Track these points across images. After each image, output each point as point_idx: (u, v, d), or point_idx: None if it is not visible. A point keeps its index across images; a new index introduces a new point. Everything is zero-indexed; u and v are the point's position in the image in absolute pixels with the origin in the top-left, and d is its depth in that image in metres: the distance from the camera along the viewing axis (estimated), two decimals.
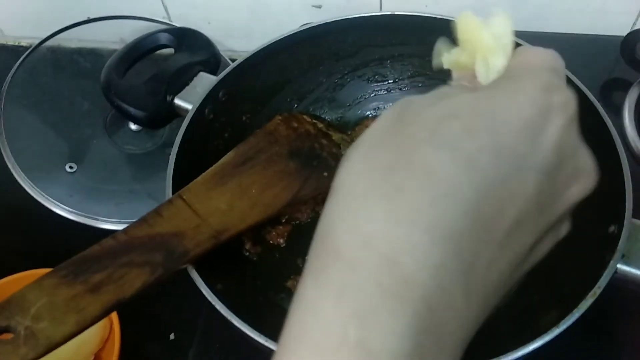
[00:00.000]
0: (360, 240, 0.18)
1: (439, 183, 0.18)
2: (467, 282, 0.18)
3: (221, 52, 0.68)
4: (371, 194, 0.18)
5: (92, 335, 0.51)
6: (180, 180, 0.44)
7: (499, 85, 0.22)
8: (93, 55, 0.70)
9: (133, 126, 0.66)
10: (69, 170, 0.63)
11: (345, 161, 0.20)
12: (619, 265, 0.38)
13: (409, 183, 0.18)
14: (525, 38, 0.51)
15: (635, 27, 0.68)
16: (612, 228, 0.40)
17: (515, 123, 0.19)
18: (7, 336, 0.34)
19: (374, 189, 0.18)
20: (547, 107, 0.20)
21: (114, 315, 0.51)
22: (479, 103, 0.20)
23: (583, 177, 0.22)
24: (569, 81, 0.47)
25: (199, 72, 0.51)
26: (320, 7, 0.70)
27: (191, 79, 0.50)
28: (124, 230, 0.40)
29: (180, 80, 0.50)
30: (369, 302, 0.17)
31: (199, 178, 0.44)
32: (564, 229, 0.23)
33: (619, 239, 0.38)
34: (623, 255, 0.38)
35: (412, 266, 0.17)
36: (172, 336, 0.55)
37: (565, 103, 0.21)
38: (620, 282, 0.39)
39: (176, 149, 0.45)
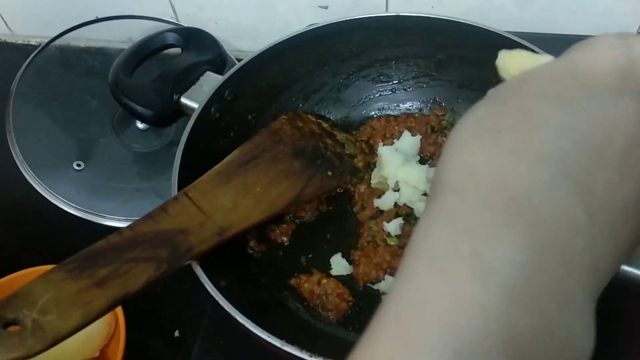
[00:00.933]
0: (467, 172, 0.19)
1: (536, 119, 0.19)
2: (587, 202, 0.18)
3: (228, 52, 0.69)
4: (475, 137, 0.20)
5: (97, 332, 0.52)
6: (186, 178, 0.45)
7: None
8: (101, 55, 0.71)
9: (140, 125, 0.66)
10: (76, 168, 0.64)
11: (452, 131, 0.22)
12: (621, 266, 0.38)
13: (508, 122, 0.19)
14: (531, 40, 0.52)
15: None
16: None
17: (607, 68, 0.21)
18: (15, 328, 0.34)
19: (477, 133, 0.20)
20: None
21: (119, 312, 0.51)
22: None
23: None
24: None
25: (205, 71, 0.52)
26: (326, 7, 0.70)
27: (197, 78, 0.51)
28: (129, 227, 0.40)
29: (186, 79, 0.50)
30: (480, 220, 0.18)
31: (204, 176, 0.45)
32: None
33: None
34: None
35: (521, 186, 0.18)
36: (176, 333, 0.55)
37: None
38: (621, 282, 0.39)
39: (182, 147, 0.45)
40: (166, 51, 0.56)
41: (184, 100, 0.50)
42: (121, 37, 0.71)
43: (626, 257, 0.20)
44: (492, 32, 0.52)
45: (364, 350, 0.18)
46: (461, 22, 0.53)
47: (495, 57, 0.55)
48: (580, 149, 0.18)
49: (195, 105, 0.49)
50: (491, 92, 0.22)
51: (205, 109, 0.49)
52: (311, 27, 0.55)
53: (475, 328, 0.16)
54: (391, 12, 0.55)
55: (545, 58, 0.25)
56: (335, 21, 0.55)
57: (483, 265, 0.17)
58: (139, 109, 0.49)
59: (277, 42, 0.53)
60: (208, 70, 0.52)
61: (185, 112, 0.51)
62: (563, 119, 0.19)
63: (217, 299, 0.39)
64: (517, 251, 0.17)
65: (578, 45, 0.23)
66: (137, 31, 0.68)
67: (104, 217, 0.60)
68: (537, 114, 0.19)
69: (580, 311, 0.18)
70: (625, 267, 0.39)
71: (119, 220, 0.59)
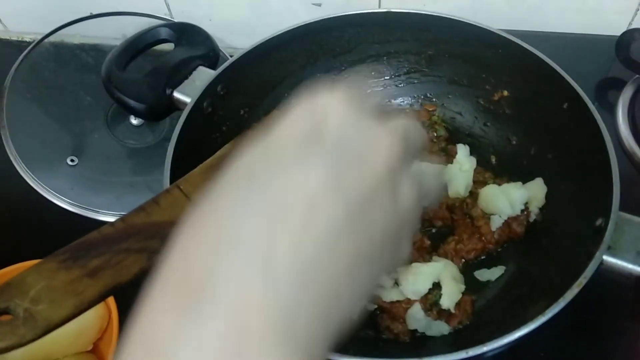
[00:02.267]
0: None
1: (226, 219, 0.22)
2: (267, 272, 0.20)
3: (222, 49, 0.69)
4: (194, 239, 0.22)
5: (90, 325, 0.52)
6: (178, 172, 0.45)
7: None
8: (95, 51, 0.71)
9: (134, 120, 0.67)
10: (70, 163, 0.64)
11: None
12: (605, 257, 0.39)
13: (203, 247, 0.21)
14: (521, 37, 0.52)
15: (631, 27, 0.68)
16: (599, 221, 0.41)
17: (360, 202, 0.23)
18: (7, 317, 0.34)
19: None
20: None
21: (113, 306, 0.52)
22: (329, 183, 0.22)
23: (382, 142, 0.24)
24: (564, 83, 0.48)
25: (198, 66, 0.52)
26: (320, 4, 0.70)
27: (190, 73, 0.51)
28: (122, 218, 0.40)
29: (179, 74, 0.51)
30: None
31: (196, 169, 0.45)
32: (404, 197, 0.25)
33: (606, 231, 0.39)
34: (609, 247, 0.39)
35: (209, 276, 0.20)
36: None
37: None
38: (607, 273, 0.40)
39: (174, 141, 0.46)
40: (159, 46, 0.57)
41: (176, 94, 0.51)
42: (115, 33, 0.71)
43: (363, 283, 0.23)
44: (483, 28, 0.53)
45: None
46: (452, 19, 0.54)
47: (485, 53, 0.55)
48: (265, 221, 0.20)
49: (187, 99, 0.50)
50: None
51: (198, 103, 0.49)
52: (304, 23, 0.55)
53: None
54: (382, 9, 0.56)
55: None
56: (327, 17, 0.55)
57: None
58: (132, 102, 0.49)
59: (270, 37, 0.53)
60: (201, 65, 0.52)
61: (178, 106, 0.51)
62: (250, 200, 0.21)
63: None
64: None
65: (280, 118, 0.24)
66: (131, 28, 0.68)
67: (97, 212, 0.60)
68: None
69: None
70: (612, 259, 0.40)
71: (112, 215, 0.60)
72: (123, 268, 0.38)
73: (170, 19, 0.72)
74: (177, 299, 0.20)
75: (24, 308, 0.35)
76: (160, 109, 0.51)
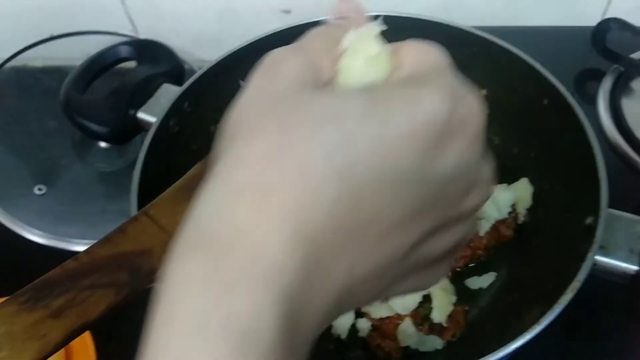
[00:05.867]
0: (232, 232, 0.18)
1: (311, 187, 0.18)
2: (325, 280, 0.19)
3: (191, 63, 0.67)
4: (246, 188, 0.19)
5: None
6: (148, 197, 0.43)
7: (394, 88, 0.20)
8: (59, 73, 0.68)
9: (103, 144, 0.64)
10: (37, 192, 0.61)
11: (222, 139, 0.21)
12: (597, 257, 0.38)
13: (283, 181, 0.18)
14: (497, 33, 0.51)
15: (605, 17, 0.68)
16: (589, 219, 0.40)
17: (405, 139, 0.19)
18: None
19: (249, 183, 0.19)
20: (447, 127, 0.19)
21: (89, 342, 0.49)
22: (369, 108, 0.19)
23: (480, 188, 0.21)
24: (542, 79, 0.47)
25: (162, 83, 0.50)
26: (289, 12, 0.69)
27: (154, 91, 0.49)
28: (86, 251, 0.38)
29: (142, 93, 0.49)
30: (235, 285, 0.18)
31: (165, 192, 0.43)
32: (468, 229, 0.22)
33: (596, 230, 0.38)
34: (602, 247, 0.38)
35: (275, 262, 0.18)
36: None
37: (468, 116, 0.20)
38: (600, 273, 0.38)
39: (140, 165, 0.43)
40: (122, 65, 0.55)
41: (140, 115, 0.48)
42: (78, 54, 0.68)
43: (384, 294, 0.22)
44: (456, 28, 0.52)
45: None
46: (423, 20, 0.52)
47: (460, 53, 0.54)
48: (339, 230, 0.18)
49: (153, 119, 0.47)
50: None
51: (164, 122, 0.47)
52: (273, 31, 0.54)
53: None
54: None
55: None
56: (298, 24, 0.53)
57: (241, 330, 0.17)
58: (93, 126, 0.47)
59: (237, 48, 0.51)
60: (165, 82, 0.50)
61: (143, 127, 0.49)
62: (335, 195, 0.18)
63: None
64: (273, 315, 0.17)
65: (403, 77, 0.21)
66: (95, 47, 0.66)
67: (69, 241, 0.58)
68: (314, 182, 0.18)
69: (307, 345, 0.19)
70: (604, 259, 0.38)
71: (86, 244, 0.57)
72: (90, 305, 0.36)
73: (135, 35, 0.70)
74: None
75: None
76: (124, 131, 0.49)
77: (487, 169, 0.22)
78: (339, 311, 0.20)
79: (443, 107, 0.19)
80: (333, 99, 0.20)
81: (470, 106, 0.20)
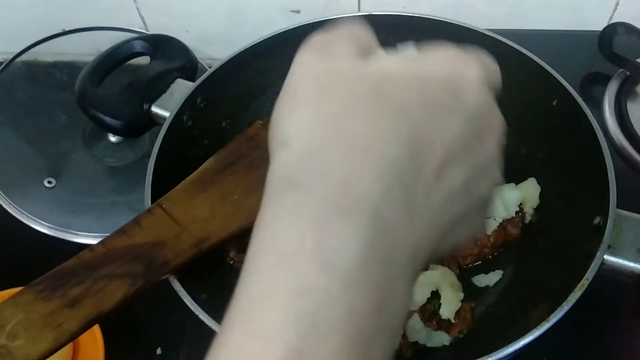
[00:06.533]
0: (314, 171, 0.21)
1: (383, 127, 0.22)
2: (410, 204, 0.21)
3: (200, 60, 0.67)
4: (325, 141, 0.21)
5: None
6: (160, 190, 0.43)
7: (422, 54, 0.25)
8: (70, 68, 0.69)
9: (113, 138, 0.64)
10: (47, 185, 0.62)
11: (286, 110, 0.23)
12: (605, 257, 0.38)
13: (357, 129, 0.21)
14: (503, 36, 0.52)
15: (612, 21, 0.68)
16: (597, 219, 0.40)
17: (438, 81, 0.23)
18: None
19: (327, 137, 0.21)
20: (462, 73, 0.24)
21: (98, 332, 0.49)
22: (407, 65, 0.24)
23: (495, 130, 0.25)
24: (552, 80, 0.47)
25: (175, 78, 0.50)
26: (298, 11, 0.69)
27: (168, 86, 0.50)
28: (101, 242, 0.39)
29: (156, 87, 0.49)
30: (324, 217, 0.20)
31: (179, 186, 0.43)
32: (496, 175, 0.26)
33: (605, 230, 0.38)
34: (609, 246, 0.38)
35: (363, 189, 0.20)
36: (158, 351, 0.53)
37: (478, 70, 0.24)
38: (608, 273, 0.39)
39: (154, 158, 0.44)
40: (135, 60, 0.55)
41: (154, 109, 0.49)
42: (90, 49, 0.69)
43: (440, 247, 0.24)
44: (467, 28, 0.52)
45: (216, 350, 0.20)
46: (435, 20, 0.53)
47: None
48: (412, 160, 0.22)
49: (166, 113, 0.48)
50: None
51: (177, 117, 0.47)
52: (283, 30, 0.54)
53: (319, 312, 0.19)
54: (363, 12, 0.55)
55: None
56: (306, 23, 0.54)
57: (326, 258, 0.19)
58: (108, 120, 0.47)
59: (249, 46, 0.52)
60: (179, 77, 0.50)
61: (156, 121, 0.49)
62: (404, 131, 0.22)
63: (197, 313, 0.38)
64: (356, 245, 0.20)
65: (438, 54, 0.25)
66: (106, 43, 0.66)
67: (78, 234, 0.58)
68: (385, 123, 0.22)
69: (402, 290, 0.21)
70: (612, 258, 0.39)
71: (94, 237, 0.58)
72: (105, 295, 0.36)
73: (145, 32, 0.71)
74: None
75: (1, 344, 0.33)
76: (138, 124, 0.49)
77: (497, 116, 0.25)
78: (431, 233, 0.22)
79: (457, 61, 0.24)
80: (374, 61, 0.24)
81: (477, 66, 0.25)
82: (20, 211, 0.58)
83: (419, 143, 0.22)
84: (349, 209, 0.20)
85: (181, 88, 0.50)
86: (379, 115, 0.22)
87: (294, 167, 0.21)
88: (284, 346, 0.18)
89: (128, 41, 0.52)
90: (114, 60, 0.51)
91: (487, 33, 0.51)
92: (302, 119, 0.22)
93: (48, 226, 0.58)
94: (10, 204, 0.58)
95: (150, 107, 0.49)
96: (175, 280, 0.39)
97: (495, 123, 0.25)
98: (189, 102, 0.48)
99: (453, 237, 0.24)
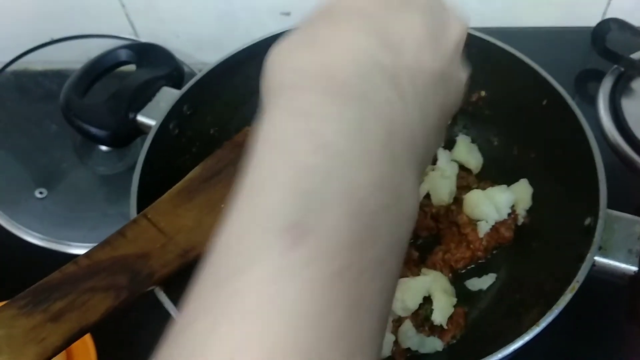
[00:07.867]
0: (299, 71, 0.23)
1: (347, 27, 0.24)
2: (398, 89, 0.23)
3: (192, 66, 0.67)
4: (298, 47, 0.24)
5: None
6: (148, 200, 0.43)
7: None
8: (59, 77, 0.69)
9: (103, 147, 0.64)
10: (39, 196, 0.61)
11: (272, 51, 0.25)
12: (596, 258, 0.37)
13: (324, 31, 0.24)
14: (495, 34, 0.51)
15: (605, 17, 0.68)
16: (588, 220, 0.39)
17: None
18: None
19: (299, 45, 0.24)
20: None
21: (91, 346, 0.49)
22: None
23: (454, 25, 0.27)
24: (541, 79, 0.47)
25: (162, 86, 0.50)
26: (289, 14, 0.69)
27: (154, 95, 0.49)
28: (86, 254, 0.38)
29: (142, 96, 0.49)
30: (314, 103, 0.22)
31: (165, 195, 0.43)
32: (462, 75, 0.28)
33: (595, 231, 0.37)
34: (600, 248, 0.38)
35: (345, 74, 0.22)
36: None
37: None
38: (600, 274, 0.38)
39: (140, 167, 0.43)
40: (122, 69, 0.55)
41: (140, 118, 0.48)
42: (79, 57, 0.68)
43: (435, 141, 0.26)
44: None
45: (225, 228, 0.21)
46: None
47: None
48: (380, 43, 0.23)
49: (152, 122, 0.47)
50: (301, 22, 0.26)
51: (164, 125, 0.47)
52: (273, 34, 0.53)
53: (318, 189, 0.20)
54: None
55: None
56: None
57: (316, 138, 0.21)
58: (93, 130, 0.47)
59: (236, 51, 0.51)
60: (165, 85, 0.50)
61: (143, 130, 0.49)
62: (365, 24, 0.24)
63: None
64: (347, 123, 0.21)
65: None
66: (95, 50, 0.66)
67: (70, 245, 0.58)
68: (349, 25, 0.24)
69: (405, 175, 0.22)
70: (603, 260, 0.38)
71: (86, 247, 0.56)
72: (89, 309, 0.36)
73: (135, 38, 0.70)
74: None
75: None
76: (124, 134, 0.49)
77: (453, 11, 0.27)
78: (425, 122, 0.24)
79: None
80: None
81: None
82: (11, 222, 0.58)
83: (387, 36, 0.24)
84: (333, 92, 0.22)
85: (167, 96, 0.49)
86: (345, 20, 0.24)
87: (275, 75, 0.24)
88: (285, 220, 0.19)
89: (113, 50, 0.52)
90: (98, 70, 0.51)
91: (474, 33, 0.51)
92: (283, 45, 0.25)
93: (40, 237, 0.58)
94: (1, 215, 0.58)
95: (135, 116, 0.48)
96: (161, 292, 0.38)
97: (451, 19, 0.27)
98: (175, 110, 0.48)
99: (434, 145, 0.26)
